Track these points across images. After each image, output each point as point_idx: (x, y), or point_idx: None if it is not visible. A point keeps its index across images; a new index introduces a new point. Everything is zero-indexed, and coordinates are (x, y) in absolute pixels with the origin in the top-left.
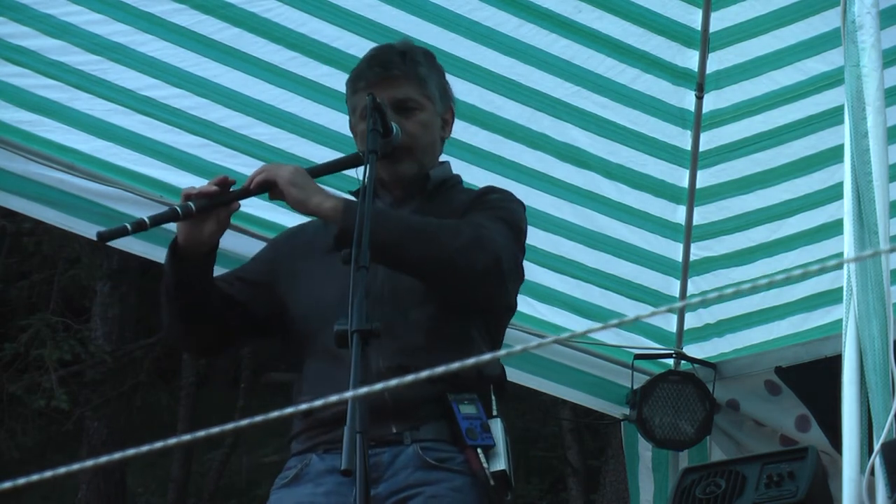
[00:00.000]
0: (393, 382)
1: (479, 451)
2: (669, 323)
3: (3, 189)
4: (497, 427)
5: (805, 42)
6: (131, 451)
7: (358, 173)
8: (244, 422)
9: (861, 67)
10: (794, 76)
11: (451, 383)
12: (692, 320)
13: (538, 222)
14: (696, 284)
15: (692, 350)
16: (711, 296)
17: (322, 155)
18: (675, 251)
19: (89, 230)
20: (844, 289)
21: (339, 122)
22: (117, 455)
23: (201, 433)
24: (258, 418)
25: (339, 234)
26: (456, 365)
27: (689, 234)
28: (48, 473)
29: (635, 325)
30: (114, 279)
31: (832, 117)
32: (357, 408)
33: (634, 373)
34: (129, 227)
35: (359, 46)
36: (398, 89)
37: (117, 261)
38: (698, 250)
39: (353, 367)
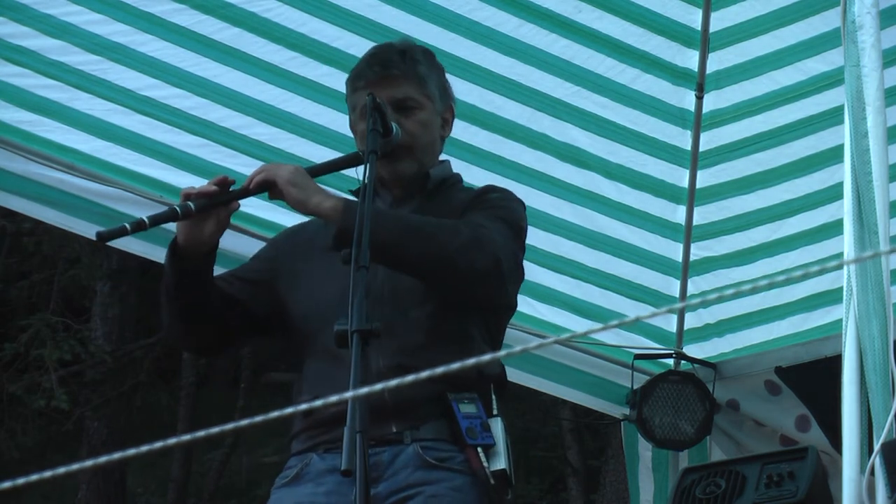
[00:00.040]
0: (393, 383)
1: (479, 450)
2: (669, 323)
3: (3, 189)
4: (497, 426)
5: (805, 42)
6: (131, 451)
7: (358, 172)
8: (244, 422)
9: (861, 67)
10: (794, 76)
11: (452, 382)
12: (692, 320)
13: (538, 222)
14: (696, 284)
15: (692, 350)
16: (711, 297)
17: (322, 155)
18: (675, 251)
19: (89, 230)
20: (844, 289)
21: (339, 122)
22: (117, 455)
23: (201, 433)
24: (258, 418)
25: (338, 233)
26: (456, 365)
27: (689, 234)
28: (48, 473)
29: (635, 326)
30: (114, 279)
31: (832, 117)
32: (357, 408)
33: (634, 373)
34: (128, 227)
35: (359, 46)
36: (398, 88)
37: (117, 261)
38: (698, 250)
39: (353, 367)
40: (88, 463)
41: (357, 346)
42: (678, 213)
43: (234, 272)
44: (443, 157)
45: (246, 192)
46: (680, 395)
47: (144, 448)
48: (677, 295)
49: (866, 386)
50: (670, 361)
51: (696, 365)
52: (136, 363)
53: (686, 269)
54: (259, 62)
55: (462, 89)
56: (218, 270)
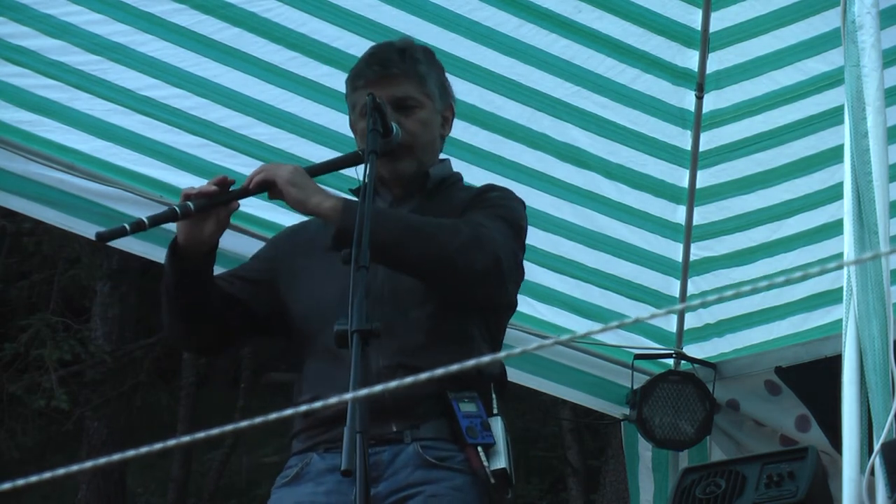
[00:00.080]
0: (393, 384)
1: (479, 449)
2: (669, 323)
3: (3, 189)
4: (497, 425)
5: (805, 42)
6: (131, 452)
7: (357, 172)
8: (243, 423)
9: (861, 67)
10: (794, 76)
11: (452, 381)
12: (692, 320)
13: (538, 222)
14: (696, 284)
15: (692, 350)
16: (711, 298)
17: (322, 155)
18: (675, 251)
19: (89, 230)
20: (844, 289)
21: (339, 122)
22: (116, 456)
23: (200, 434)
24: (257, 420)
25: (337, 234)
26: (455, 367)
27: (689, 234)
28: (48, 474)
29: (635, 326)
30: (114, 279)
31: (832, 117)
32: (357, 408)
33: (634, 373)
34: (127, 227)
35: (359, 46)
36: (397, 87)
37: (117, 261)
38: (698, 250)
39: (353, 368)
40: (88, 464)
41: (357, 346)
42: (678, 213)
43: (234, 272)
44: (442, 156)
45: (245, 192)
46: (680, 395)
47: (143, 449)
48: (677, 295)
49: (866, 386)
50: (670, 361)
51: (696, 365)
52: (136, 363)
53: (686, 269)
54: (259, 62)
55: (462, 89)
56: (218, 270)
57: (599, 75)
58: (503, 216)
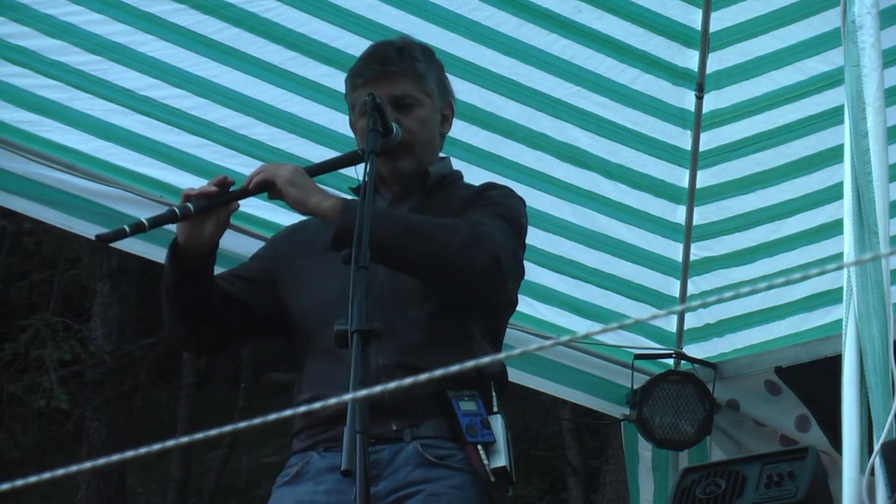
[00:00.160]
0: (392, 385)
1: (479, 447)
2: (669, 323)
3: (3, 189)
4: (497, 423)
5: (805, 42)
6: (131, 453)
7: (357, 171)
8: (243, 423)
9: (861, 67)
10: (794, 76)
11: (451, 380)
12: (692, 320)
13: (538, 222)
14: (696, 284)
15: (692, 350)
16: (711, 298)
17: (322, 155)
18: (675, 251)
19: (89, 230)
20: (844, 289)
21: (338, 122)
22: (116, 456)
23: (200, 434)
24: (257, 420)
25: (337, 234)
26: (455, 367)
27: (689, 234)
28: (47, 474)
29: (635, 326)
30: (114, 279)
31: (832, 117)
32: (357, 408)
33: (634, 373)
34: (127, 229)
35: (359, 46)
36: (396, 86)
37: (117, 261)
38: (698, 250)
39: (353, 368)
40: (87, 465)
41: (357, 346)
42: (678, 213)
43: (234, 271)
44: (442, 154)
45: (245, 193)
46: (680, 395)
47: (142, 450)
48: (677, 295)
49: (866, 386)
50: (670, 361)
51: (696, 365)
52: (136, 363)
53: (686, 269)
54: (259, 62)
55: (462, 89)
56: (218, 270)
57: (599, 75)
58: (503, 214)
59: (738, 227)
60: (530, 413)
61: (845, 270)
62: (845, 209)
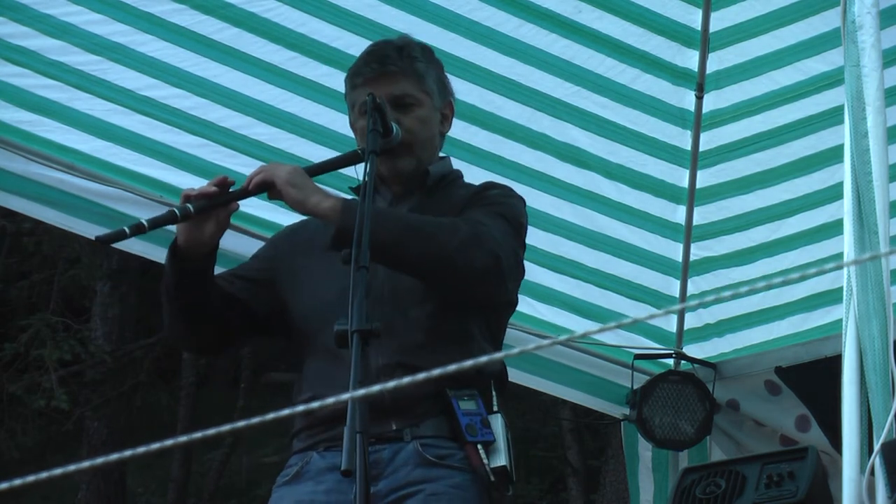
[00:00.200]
0: (391, 384)
1: (479, 447)
2: (669, 323)
3: (3, 189)
4: (497, 422)
5: (805, 42)
6: (131, 452)
7: (357, 171)
8: (242, 423)
9: (861, 67)
10: (794, 76)
11: (451, 379)
12: (692, 320)
13: (538, 222)
14: (696, 284)
15: (692, 350)
16: (710, 298)
17: (321, 155)
18: (675, 251)
19: (89, 230)
20: (844, 289)
21: (338, 122)
22: (116, 456)
23: (198, 434)
24: (257, 420)
25: (336, 234)
26: (454, 367)
27: (689, 234)
28: (47, 474)
29: (635, 326)
30: (114, 279)
31: (832, 117)
32: (357, 408)
33: (634, 373)
34: (127, 230)
35: (359, 46)
36: (395, 85)
37: (117, 261)
38: (698, 250)
39: (353, 368)
40: (86, 464)
41: (357, 346)
42: (678, 213)
43: (234, 271)
44: (442, 154)
45: (245, 193)
46: (680, 395)
47: (141, 449)
48: (677, 295)
49: (866, 386)
50: (670, 361)
51: (696, 365)
52: (136, 363)
53: (686, 269)
54: (259, 62)
55: (462, 89)
56: (218, 270)
57: (599, 75)
58: (503, 214)
59: (737, 227)
60: (530, 413)
61: (845, 270)
62: (845, 209)
